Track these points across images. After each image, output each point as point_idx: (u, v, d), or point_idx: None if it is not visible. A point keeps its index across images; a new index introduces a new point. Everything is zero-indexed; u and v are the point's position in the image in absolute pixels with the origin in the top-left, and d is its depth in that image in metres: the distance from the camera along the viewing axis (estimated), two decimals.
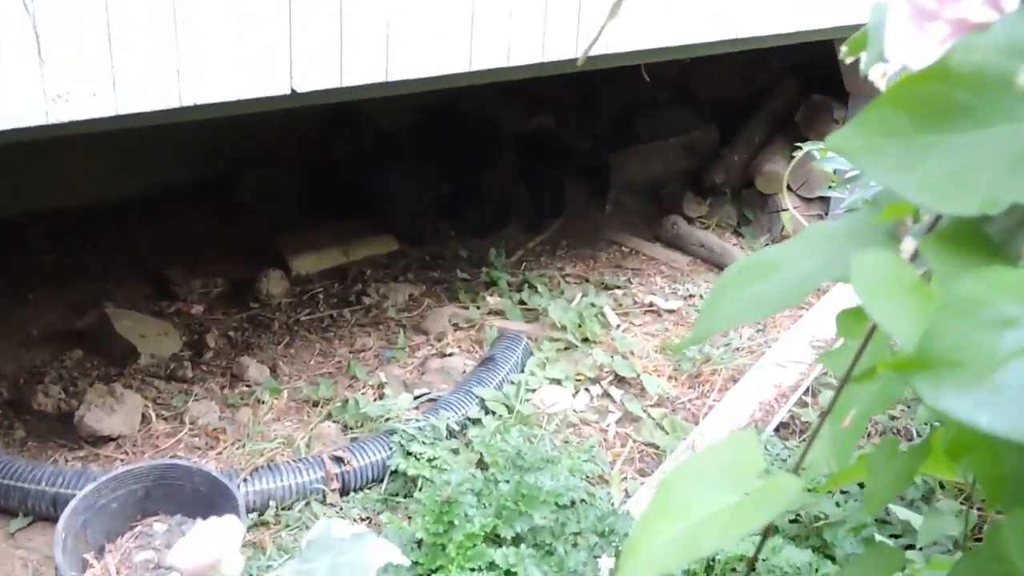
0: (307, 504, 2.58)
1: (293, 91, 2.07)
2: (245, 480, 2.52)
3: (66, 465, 2.71)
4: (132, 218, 4.39)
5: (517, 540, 2.18)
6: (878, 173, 0.57)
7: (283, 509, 2.55)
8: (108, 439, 2.82)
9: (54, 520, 2.25)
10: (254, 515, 2.51)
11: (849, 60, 0.82)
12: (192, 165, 4.76)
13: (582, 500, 2.42)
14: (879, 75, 0.70)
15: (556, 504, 2.19)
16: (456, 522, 2.16)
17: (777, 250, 0.70)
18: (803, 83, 4.76)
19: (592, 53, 2.70)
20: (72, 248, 4.10)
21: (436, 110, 4.82)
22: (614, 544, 2.22)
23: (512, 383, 3.16)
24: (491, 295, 3.88)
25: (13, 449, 2.78)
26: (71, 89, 1.77)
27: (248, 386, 3.18)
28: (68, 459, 2.77)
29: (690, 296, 4.04)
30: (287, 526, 2.52)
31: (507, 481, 2.25)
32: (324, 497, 2.60)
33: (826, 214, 4.62)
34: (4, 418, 2.94)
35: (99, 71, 1.80)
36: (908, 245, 0.62)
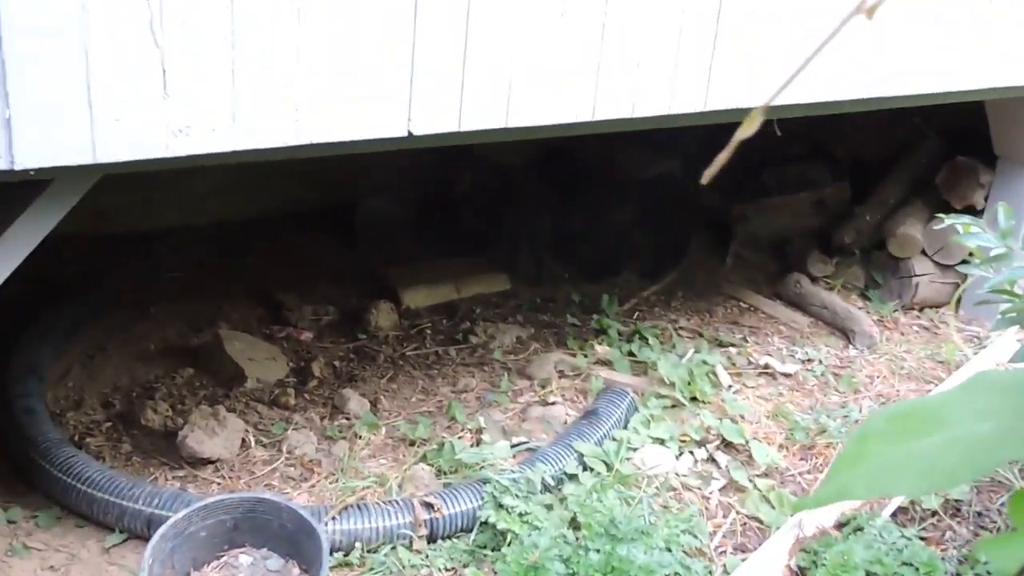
0: (393, 548, 2.53)
1: (410, 134, 2.04)
2: (333, 519, 2.50)
3: (165, 484, 2.74)
4: (254, 239, 4.50)
5: None
6: None
7: (369, 551, 2.51)
8: (207, 461, 2.85)
9: (147, 539, 2.27)
10: (339, 555, 2.47)
11: None
12: (316, 190, 4.84)
13: (676, 574, 2.30)
14: None
15: None
16: None
17: (940, 401, 0.56)
18: (947, 143, 4.51)
19: (721, 107, 2.61)
20: (195, 266, 4.22)
21: (557, 149, 4.78)
22: None
23: (614, 439, 3.05)
24: (600, 343, 3.78)
25: (118, 463, 2.84)
26: (192, 123, 1.78)
27: (347, 419, 3.18)
28: (168, 478, 2.81)
29: (808, 360, 3.84)
30: (371, 569, 2.47)
31: (598, 550, 2.15)
32: (411, 543, 2.54)
33: (963, 282, 4.34)
34: (114, 431, 3.01)
35: (220, 107, 1.81)
36: None
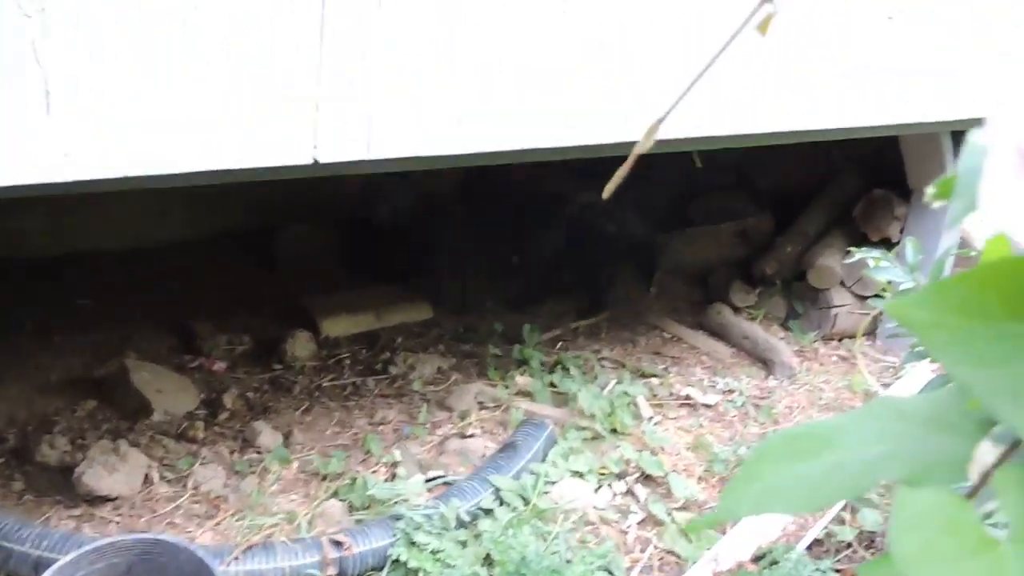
0: None
1: (315, 161, 1.98)
2: (236, 559, 2.39)
3: (58, 525, 2.61)
4: (169, 265, 4.37)
5: None
6: (949, 361, 0.45)
7: None
8: (106, 499, 2.72)
9: None
10: None
11: (936, 205, 0.67)
12: (235, 216, 4.74)
13: None
14: (976, 228, 0.56)
15: None
16: None
17: (835, 424, 0.56)
18: (864, 176, 4.59)
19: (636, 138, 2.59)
20: (105, 292, 4.08)
21: (484, 176, 4.76)
22: None
23: (532, 473, 3.00)
24: (521, 374, 3.74)
25: (8, 502, 2.69)
26: (73, 150, 1.70)
27: (258, 452, 3.07)
28: (62, 518, 2.67)
29: (729, 391, 3.85)
30: None
31: None
32: None
33: (879, 315, 4.41)
34: (6, 467, 2.86)
35: (112, 131, 1.73)
36: (981, 461, 0.48)
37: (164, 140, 1.77)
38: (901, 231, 4.28)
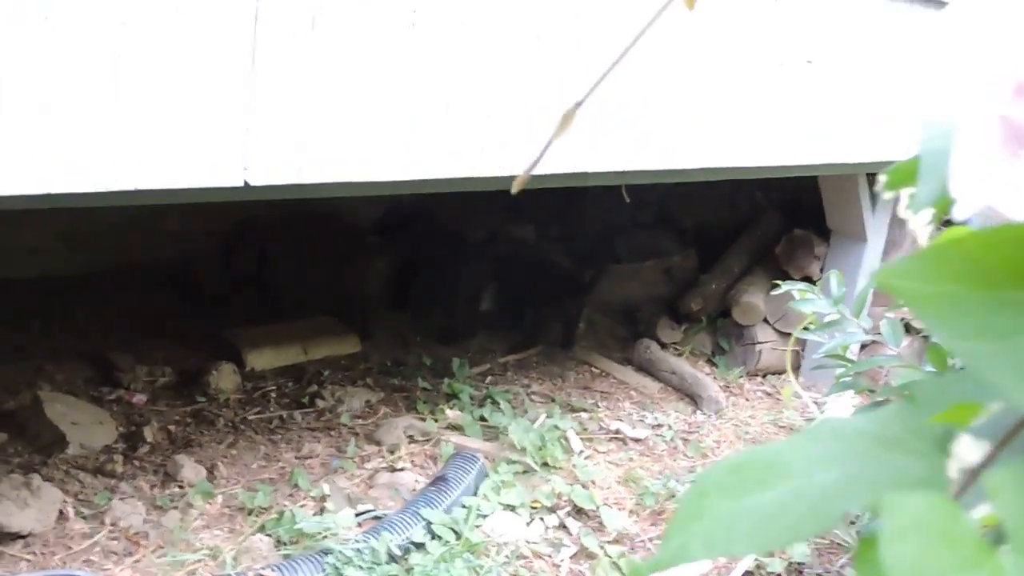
0: None
1: (246, 184, 1.94)
2: None
3: None
4: (84, 296, 4.22)
5: None
6: (947, 334, 0.42)
7: None
8: (17, 536, 2.58)
9: None
10: None
11: (888, 196, 0.63)
12: (156, 245, 4.61)
13: None
14: (923, 223, 0.53)
15: None
16: None
17: (780, 450, 0.50)
18: (786, 216, 4.72)
19: (549, 171, 2.59)
20: (15, 324, 3.91)
21: (408, 211, 4.76)
22: None
23: (463, 506, 2.95)
24: (451, 408, 3.70)
25: None
26: None
27: (180, 487, 2.96)
28: None
29: (658, 425, 3.87)
30: None
31: None
32: None
33: (803, 351, 4.51)
34: None
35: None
36: (963, 457, 0.44)
37: (91, 156, 1.71)
38: (821, 269, 4.40)
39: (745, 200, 5.03)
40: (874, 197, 4.15)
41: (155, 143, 1.78)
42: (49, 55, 1.62)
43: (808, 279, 4.46)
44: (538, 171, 0.65)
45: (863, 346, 4.17)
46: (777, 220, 4.74)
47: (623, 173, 2.81)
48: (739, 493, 0.47)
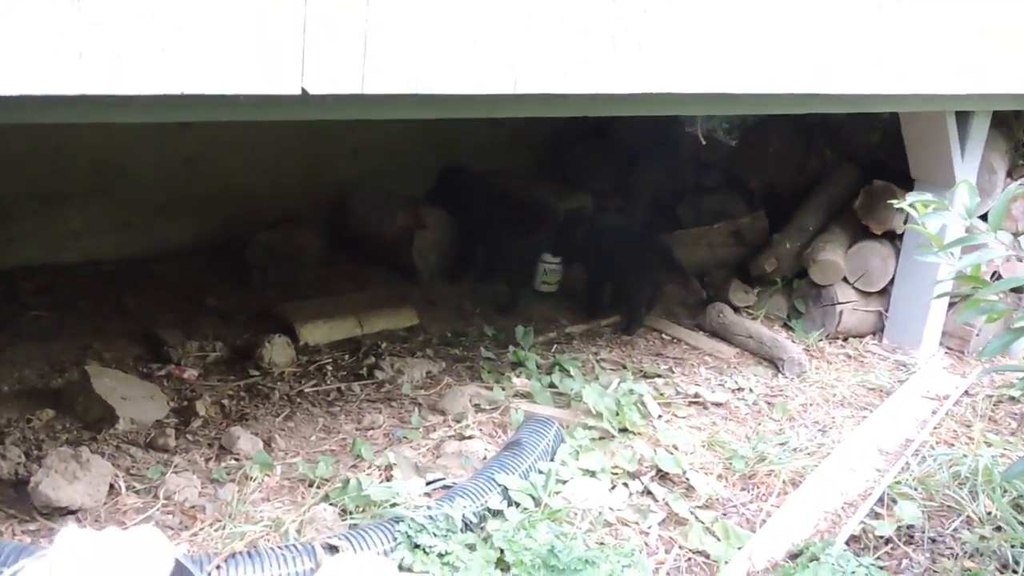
0: None
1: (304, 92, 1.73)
2: (219, 567, 2.09)
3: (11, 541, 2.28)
4: (134, 278, 4.08)
5: None
6: None
7: None
8: (67, 511, 2.40)
9: None
10: None
11: None
12: (205, 226, 4.47)
13: None
14: None
15: None
16: None
17: None
18: (863, 171, 4.42)
19: (647, 90, 2.37)
20: (63, 305, 3.77)
21: (470, 180, 4.59)
22: None
23: (540, 472, 2.72)
24: (518, 376, 3.48)
25: None
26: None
27: (237, 459, 2.77)
28: (16, 533, 2.35)
29: (739, 389, 3.62)
30: None
31: None
32: None
33: (886, 311, 4.22)
34: None
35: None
36: None
37: (133, 53, 1.51)
38: (905, 222, 4.10)
39: (816, 159, 4.74)
40: (964, 140, 3.85)
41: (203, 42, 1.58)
42: None
43: (891, 233, 4.18)
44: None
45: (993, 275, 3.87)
46: (853, 172, 4.45)
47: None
48: None
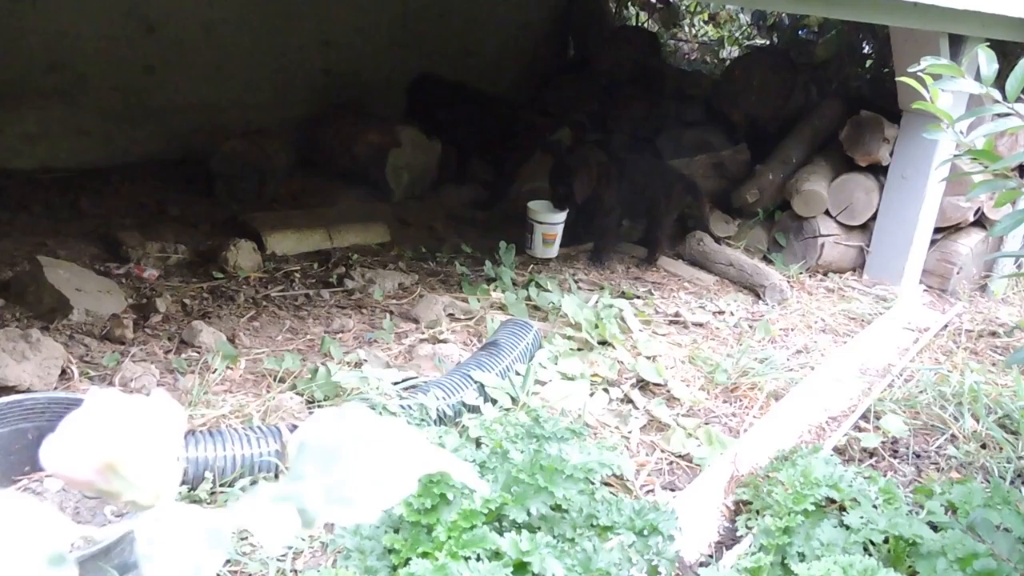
0: (254, 482, 2.00)
1: None
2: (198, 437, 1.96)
3: None
4: (90, 185, 3.89)
5: (529, 527, 1.62)
6: None
7: (223, 485, 1.98)
8: (13, 390, 2.25)
9: None
10: (184, 488, 1.93)
11: None
12: (164, 139, 4.29)
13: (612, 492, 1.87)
14: None
15: (587, 480, 1.64)
16: (450, 495, 1.60)
17: None
18: (848, 103, 4.33)
19: None
20: (15, 206, 3.58)
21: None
22: (652, 548, 1.67)
23: (518, 373, 2.61)
24: (494, 290, 3.35)
25: None
26: None
27: (198, 351, 2.63)
28: None
29: (720, 312, 3.52)
30: (224, 506, 1.93)
31: (521, 451, 1.71)
32: (276, 474, 2.02)
33: (867, 245, 4.15)
34: None
35: None
36: None
37: None
38: (891, 154, 4.03)
39: (799, 92, 4.65)
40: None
41: None
42: None
43: (876, 165, 4.10)
44: None
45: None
46: (839, 105, 4.37)
47: None
48: None
